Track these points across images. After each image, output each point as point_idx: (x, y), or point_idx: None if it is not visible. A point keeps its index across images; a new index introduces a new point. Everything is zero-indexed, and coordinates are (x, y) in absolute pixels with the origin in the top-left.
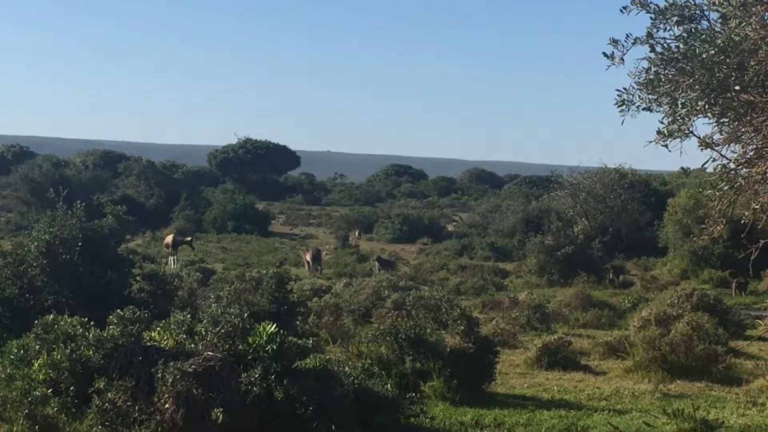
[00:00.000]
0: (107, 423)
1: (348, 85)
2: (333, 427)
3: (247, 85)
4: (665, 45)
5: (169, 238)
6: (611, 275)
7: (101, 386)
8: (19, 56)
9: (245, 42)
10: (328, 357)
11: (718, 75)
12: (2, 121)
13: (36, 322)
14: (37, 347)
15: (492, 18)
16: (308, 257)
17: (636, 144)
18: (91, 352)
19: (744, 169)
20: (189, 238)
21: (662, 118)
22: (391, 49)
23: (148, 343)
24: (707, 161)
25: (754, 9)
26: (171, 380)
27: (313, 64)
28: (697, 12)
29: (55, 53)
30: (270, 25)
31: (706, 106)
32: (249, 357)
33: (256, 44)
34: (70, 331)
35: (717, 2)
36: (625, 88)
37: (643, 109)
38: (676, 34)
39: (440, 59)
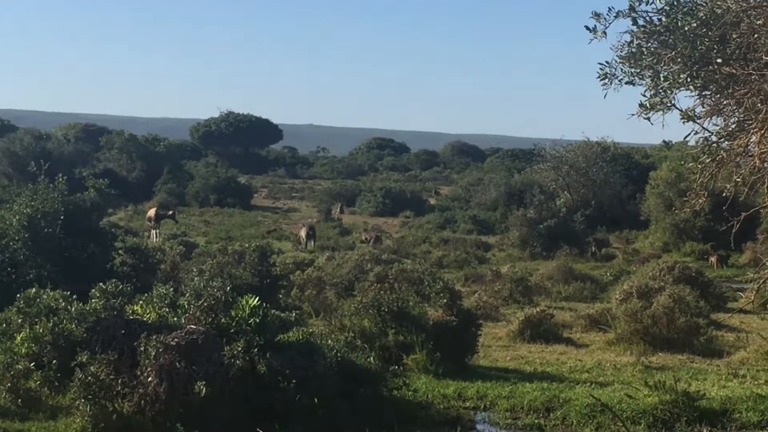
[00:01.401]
0: (90, 396)
1: (330, 58)
2: (316, 399)
3: (229, 58)
4: (647, 18)
5: (151, 212)
6: (593, 248)
7: (84, 360)
8: None
9: (228, 14)
10: (311, 330)
11: (700, 48)
12: None
13: (18, 295)
14: (20, 321)
15: None
16: (303, 233)
17: (619, 117)
18: (73, 326)
19: (726, 142)
20: (171, 212)
21: (644, 91)
22: (374, 21)
23: (131, 317)
24: (689, 134)
25: None
26: (154, 353)
27: (296, 37)
28: None
29: (35, 26)
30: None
31: (688, 79)
32: (232, 330)
33: (238, 17)
34: (52, 304)
35: None
36: (607, 62)
37: (626, 82)
38: (659, 7)
39: (422, 31)
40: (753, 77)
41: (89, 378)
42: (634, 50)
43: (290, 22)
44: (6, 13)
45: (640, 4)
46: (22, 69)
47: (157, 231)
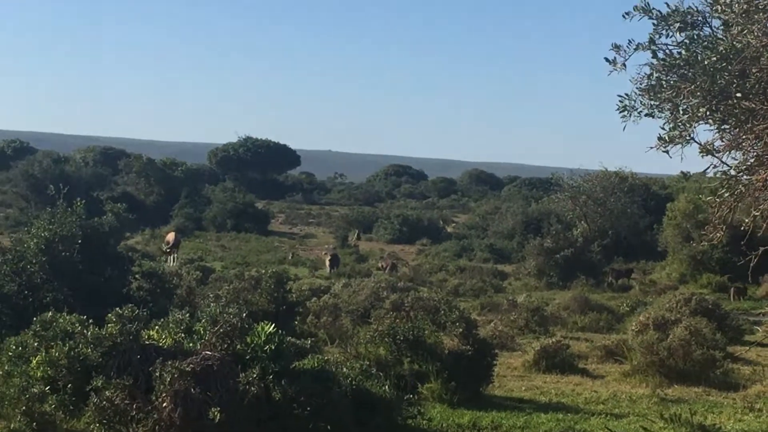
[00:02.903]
0: (105, 421)
1: (349, 84)
2: (330, 427)
3: (248, 83)
4: (667, 51)
5: (170, 236)
6: (611, 278)
7: (99, 384)
8: (19, 52)
9: (247, 40)
10: (326, 357)
11: (719, 82)
12: (2, 116)
13: (35, 319)
14: (36, 344)
15: (494, 20)
16: (327, 261)
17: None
18: (89, 350)
19: (745, 177)
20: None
21: (663, 124)
22: (393, 48)
23: (147, 342)
24: (708, 167)
25: (756, 16)
26: (169, 379)
27: (315, 64)
28: (700, 19)
29: (56, 49)
30: (271, 24)
31: (708, 113)
32: (247, 357)
33: (257, 42)
34: (68, 328)
35: (719, 9)
36: (626, 94)
37: (645, 115)
38: (679, 41)
39: (442, 60)
40: None
41: (104, 403)
42: (653, 83)
43: (309, 49)
44: (28, 38)
45: (660, 37)
46: (43, 92)
47: (175, 256)
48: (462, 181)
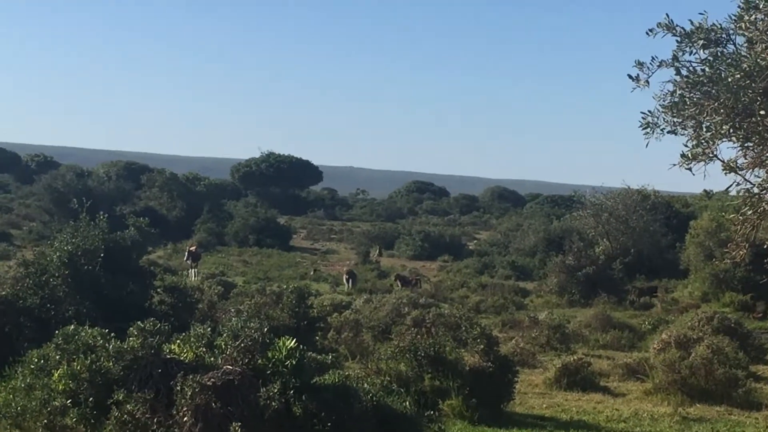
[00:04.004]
0: None
1: (371, 101)
2: None
3: (271, 99)
4: (691, 68)
5: (191, 246)
6: (634, 296)
7: (120, 398)
8: (44, 67)
9: (270, 56)
10: (347, 373)
11: (743, 99)
12: (27, 130)
13: (57, 332)
14: (58, 357)
15: (516, 37)
16: (344, 277)
17: (659, 165)
18: (110, 364)
19: None
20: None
21: (686, 141)
22: (416, 65)
23: (168, 356)
24: (731, 185)
25: None
26: (190, 393)
27: (337, 80)
28: (723, 36)
29: (80, 64)
30: (294, 40)
31: (731, 130)
32: (268, 372)
33: (280, 58)
34: (90, 342)
35: (743, 26)
36: (649, 111)
37: (668, 132)
38: (702, 58)
39: (464, 77)
40: None
41: (125, 416)
42: (676, 100)
43: (333, 66)
44: (52, 52)
45: (683, 54)
46: (67, 106)
47: (196, 270)
48: (484, 197)
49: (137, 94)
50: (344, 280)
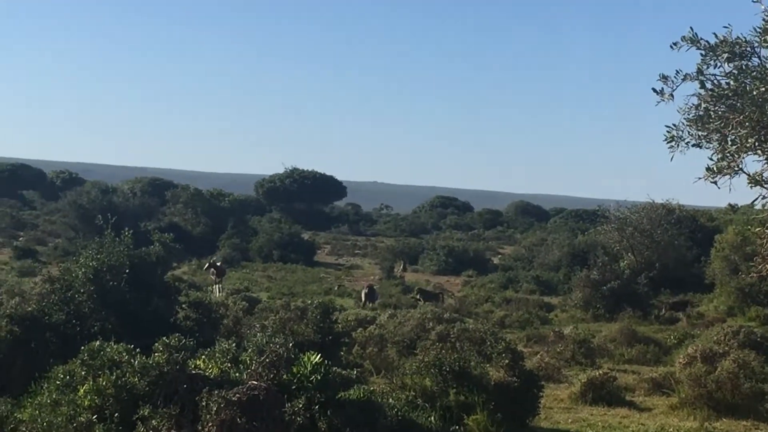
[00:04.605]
0: None
1: (395, 116)
2: None
3: (294, 115)
4: (715, 81)
5: (216, 261)
6: (664, 310)
7: (146, 413)
8: (69, 85)
9: (294, 72)
10: (372, 388)
11: None
12: (52, 147)
13: (82, 348)
14: (83, 373)
15: (538, 52)
16: (363, 293)
17: (684, 179)
18: (136, 379)
19: None
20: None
21: (711, 155)
22: (439, 81)
23: (193, 371)
24: (756, 198)
25: None
26: (215, 408)
27: (361, 96)
28: (748, 49)
29: (106, 83)
30: (319, 57)
31: (756, 143)
32: (293, 387)
33: (304, 75)
34: (115, 357)
35: None
36: (674, 124)
37: (693, 145)
38: (727, 71)
39: (486, 92)
40: None
41: (151, 431)
42: (701, 113)
43: (356, 81)
44: (76, 71)
45: (707, 68)
46: (93, 123)
47: (220, 286)
48: (508, 212)
49: (162, 112)
50: (362, 296)
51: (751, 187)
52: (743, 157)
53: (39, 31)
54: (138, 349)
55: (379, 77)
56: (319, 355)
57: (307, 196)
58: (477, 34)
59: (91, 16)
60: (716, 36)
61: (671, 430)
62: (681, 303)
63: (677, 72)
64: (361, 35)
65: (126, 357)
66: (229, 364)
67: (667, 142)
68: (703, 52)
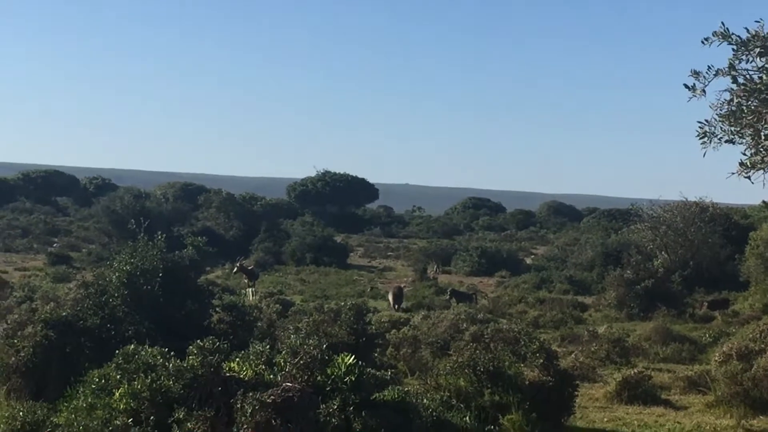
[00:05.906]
0: None
1: (426, 118)
2: None
3: (325, 118)
4: (748, 76)
5: (245, 263)
6: (706, 309)
7: (181, 416)
8: (101, 92)
9: (325, 75)
10: (406, 389)
11: None
12: (85, 154)
13: (117, 352)
14: (118, 377)
15: (567, 52)
16: (391, 296)
17: (717, 177)
18: (171, 382)
19: None
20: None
21: (745, 150)
22: (470, 83)
23: (228, 374)
24: None
25: None
26: (250, 410)
27: (392, 98)
28: None
29: (137, 88)
30: (349, 60)
31: None
32: (327, 388)
33: (336, 78)
34: (150, 361)
35: None
36: (707, 120)
37: (726, 141)
38: (759, 66)
39: (519, 92)
40: None
41: None
42: (734, 108)
43: (386, 84)
44: (108, 78)
45: (739, 63)
46: (125, 130)
47: (253, 289)
48: (540, 213)
49: (193, 116)
50: (390, 299)
51: None
52: None
53: (73, 39)
54: (172, 353)
55: (411, 79)
56: (353, 357)
57: (339, 199)
58: (506, 32)
59: (121, 22)
60: (747, 31)
61: (708, 428)
62: (719, 301)
63: (709, 67)
64: (391, 37)
65: (161, 360)
66: (263, 367)
67: (700, 138)
68: (734, 47)
